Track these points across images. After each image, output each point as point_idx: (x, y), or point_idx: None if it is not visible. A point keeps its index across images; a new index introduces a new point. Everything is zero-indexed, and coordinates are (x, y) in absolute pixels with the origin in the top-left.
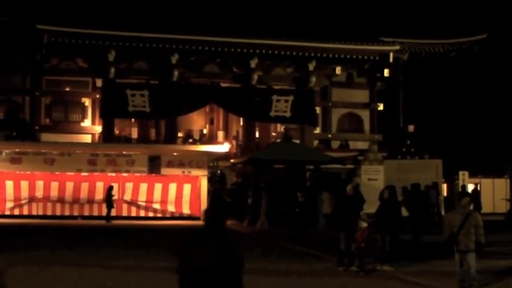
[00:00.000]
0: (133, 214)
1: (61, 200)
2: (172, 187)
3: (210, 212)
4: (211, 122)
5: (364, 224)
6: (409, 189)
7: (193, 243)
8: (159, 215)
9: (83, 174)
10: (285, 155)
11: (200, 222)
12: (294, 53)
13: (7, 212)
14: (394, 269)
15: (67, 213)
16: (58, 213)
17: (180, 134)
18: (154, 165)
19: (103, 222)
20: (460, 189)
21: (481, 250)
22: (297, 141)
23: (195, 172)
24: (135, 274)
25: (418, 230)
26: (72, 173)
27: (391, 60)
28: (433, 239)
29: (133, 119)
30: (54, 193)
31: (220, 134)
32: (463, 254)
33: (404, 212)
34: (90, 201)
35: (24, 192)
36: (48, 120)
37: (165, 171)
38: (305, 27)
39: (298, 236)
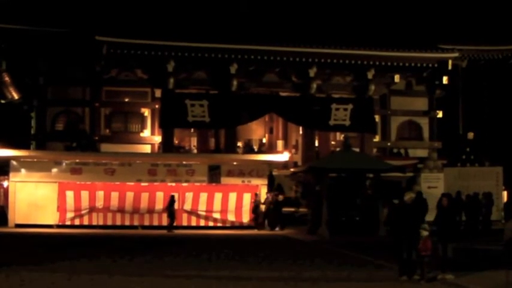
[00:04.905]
0: (194, 224)
1: (121, 210)
2: (232, 196)
3: None
4: (271, 131)
5: (425, 233)
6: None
7: None
8: (219, 224)
9: (143, 184)
10: (345, 163)
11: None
12: (353, 62)
13: (68, 222)
14: (456, 277)
15: (127, 223)
16: (118, 223)
17: (239, 144)
18: (214, 175)
19: (163, 231)
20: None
21: None
22: (357, 150)
23: (255, 181)
24: (197, 283)
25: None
26: (132, 183)
27: (450, 67)
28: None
29: (192, 129)
30: (114, 203)
31: (280, 143)
32: None
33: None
34: (150, 211)
35: (85, 202)
36: (108, 130)
37: (225, 180)
38: (363, 35)
39: (359, 244)
